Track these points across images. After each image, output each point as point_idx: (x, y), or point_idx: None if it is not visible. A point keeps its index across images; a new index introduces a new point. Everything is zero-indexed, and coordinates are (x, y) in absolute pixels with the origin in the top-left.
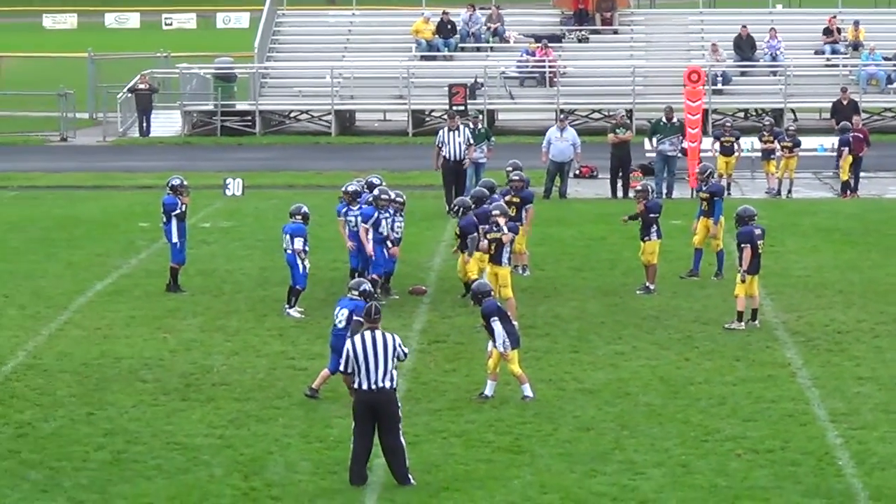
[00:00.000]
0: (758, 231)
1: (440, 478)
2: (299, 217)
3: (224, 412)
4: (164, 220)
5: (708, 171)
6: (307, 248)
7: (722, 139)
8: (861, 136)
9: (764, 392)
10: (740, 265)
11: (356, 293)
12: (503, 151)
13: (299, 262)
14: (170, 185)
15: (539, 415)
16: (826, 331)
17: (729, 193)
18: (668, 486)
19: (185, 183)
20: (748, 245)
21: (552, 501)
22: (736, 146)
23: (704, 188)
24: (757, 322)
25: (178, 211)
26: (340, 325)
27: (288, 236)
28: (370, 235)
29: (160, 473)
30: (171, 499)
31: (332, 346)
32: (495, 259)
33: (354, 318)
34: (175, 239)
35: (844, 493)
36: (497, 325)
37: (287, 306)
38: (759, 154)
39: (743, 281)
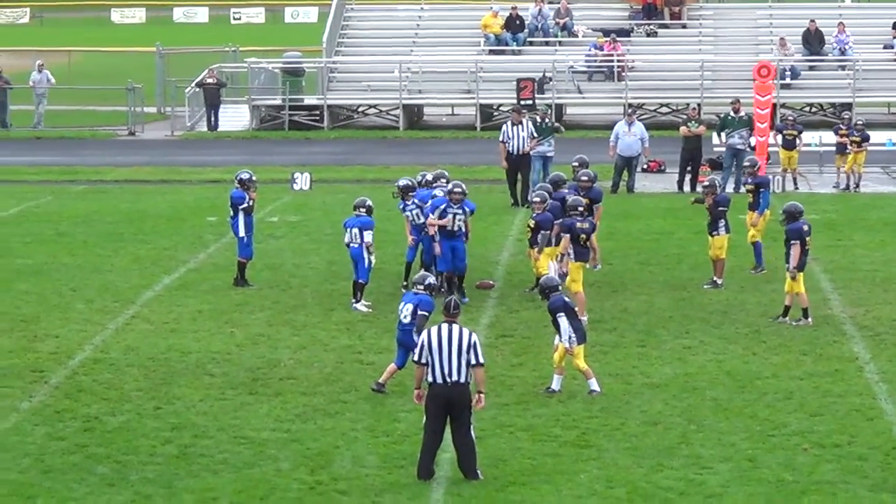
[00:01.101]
0: (805, 227)
1: (507, 472)
2: (363, 210)
3: (291, 406)
4: (232, 214)
5: (756, 165)
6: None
7: (784, 133)
8: None
9: (831, 386)
10: (788, 261)
11: (421, 287)
12: (571, 145)
13: (366, 255)
14: (238, 179)
15: (606, 409)
16: (894, 325)
17: (796, 187)
18: (734, 481)
19: (254, 177)
20: (798, 242)
21: (619, 496)
22: (798, 140)
23: (750, 180)
24: (810, 320)
25: (245, 205)
26: (406, 321)
27: (356, 230)
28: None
29: (227, 468)
30: (238, 493)
31: (398, 342)
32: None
33: (420, 312)
34: (242, 233)
35: None
36: (563, 321)
37: (353, 301)
38: (834, 148)
39: (794, 278)
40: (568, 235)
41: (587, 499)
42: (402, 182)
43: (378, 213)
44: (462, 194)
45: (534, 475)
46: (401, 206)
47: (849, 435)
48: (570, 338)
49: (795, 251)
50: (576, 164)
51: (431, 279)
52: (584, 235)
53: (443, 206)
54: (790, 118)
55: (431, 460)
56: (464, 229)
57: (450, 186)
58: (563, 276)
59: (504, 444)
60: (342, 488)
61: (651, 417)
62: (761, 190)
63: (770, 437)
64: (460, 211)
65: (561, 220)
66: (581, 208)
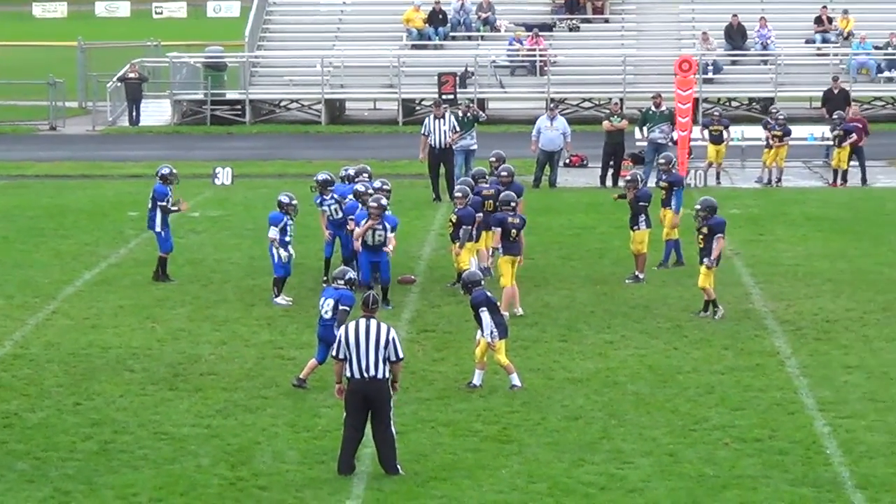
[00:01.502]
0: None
1: (428, 467)
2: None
3: (212, 402)
4: (150, 207)
5: (671, 163)
6: (286, 238)
7: (711, 128)
8: (860, 125)
9: (752, 381)
10: (708, 255)
11: (341, 282)
12: (494, 140)
13: (274, 251)
14: (159, 174)
15: (527, 404)
16: (815, 320)
17: (719, 182)
18: (655, 475)
19: (175, 171)
20: (721, 235)
21: (540, 491)
22: (725, 134)
23: (665, 177)
24: (708, 312)
25: (165, 202)
26: (327, 316)
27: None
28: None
29: (147, 463)
30: (158, 489)
31: (319, 337)
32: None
33: (340, 307)
34: (159, 228)
35: (832, 482)
36: (485, 315)
37: (273, 295)
38: (758, 142)
39: (710, 269)
40: (500, 230)
41: (508, 494)
42: (320, 176)
43: (300, 208)
44: (380, 209)
45: (455, 470)
46: (318, 201)
47: (770, 429)
48: (491, 332)
49: (720, 244)
50: (493, 159)
51: (351, 274)
52: (514, 230)
53: (358, 210)
54: (716, 113)
55: (352, 455)
56: (386, 243)
57: (370, 202)
58: (484, 270)
59: (425, 439)
60: (263, 484)
61: (572, 412)
62: (675, 188)
63: (691, 432)
64: (380, 226)
65: (493, 214)
66: (514, 203)
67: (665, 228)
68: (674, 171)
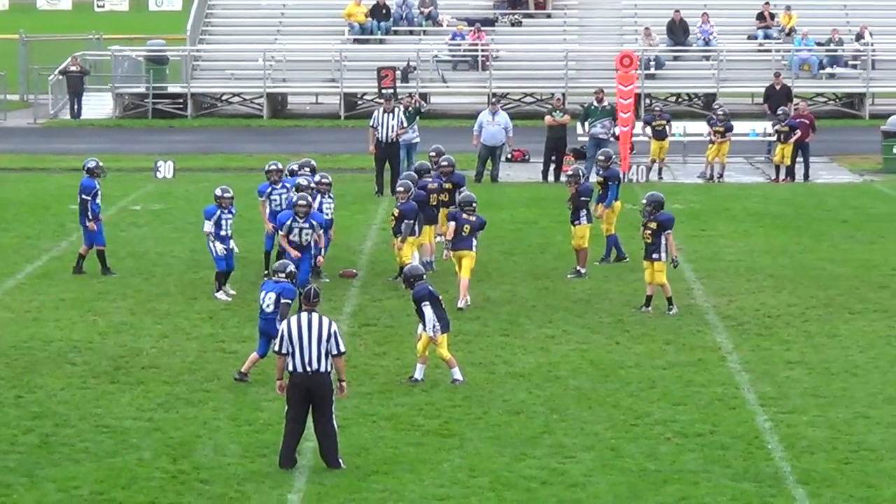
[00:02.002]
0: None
1: (370, 461)
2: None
3: (153, 395)
4: (79, 202)
5: (609, 158)
6: (222, 232)
7: (654, 123)
8: (807, 121)
9: (694, 376)
10: (657, 251)
11: (282, 275)
12: (436, 135)
13: (210, 244)
14: (86, 167)
15: (469, 398)
16: (756, 315)
17: (660, 178)
18: (597, 470)
19: (101, 165)
20: (671, 231)
21: (481, 485)
22: (668, 130)
23: (601, 172)
24: (650, 308)
25: (90, 195)
26: (269, 309)
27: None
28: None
29: (89, 457)
30: (100, 482)
31: (260, 331)
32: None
33: (283, 301)
34: (88, 223)
35: (773, 477)
36: (428, 310)
37: (214, 289)
38: (700, 138)
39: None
40: (453, 224)
41: (450, 488)
42: (274, 166)
43: (241, 202)
44: (307, 206)
45: (396, 464)
46: (265, 189)
47: (711, 424)
48: (434, 326)
49: (671, 240)
50: (433, 153)
51: (292, 267)
52: (468, 226)
53: (289, 222)
54: (657, 108)
55: (293, 449)
56: (312, 244)
57: (294, 198)
58: (427, 264)
59: (366, 433)
60: (204, 477)
61: (514, 406)
62: (610, 183)
63: (633, 427)
64: (307, 225)
65: (450, 212)
66: (475, 204)
67: (603, 224)
68: (612, 166)
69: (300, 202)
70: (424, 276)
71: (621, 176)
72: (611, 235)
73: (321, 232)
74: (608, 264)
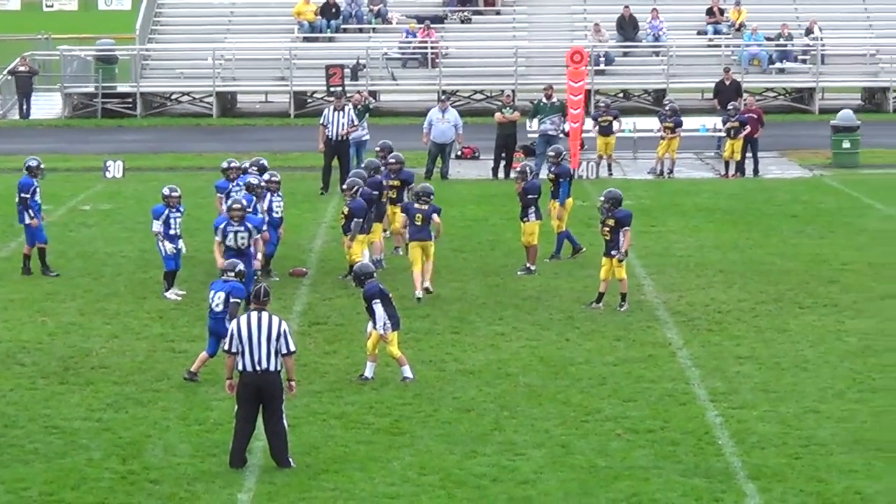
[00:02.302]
0: None
1: (320, 460)
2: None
3: (103, 395)
4: (18, 201)
5: (561, 154)
6: (171, 231)
7: (599, 119)
8: (755, 116)
9: (644, 372)
10: (616, 248)
11: (231, 274)
12: (386, 133)
13: (159, 244)
14: (26, 166)
15: (419, 396)
16: (706, 310)
17: (611, 174)
18: (547, 467)
19: (42, 165)
20: (628, 227)
21: (432, 482)
22: (615, 125)
23: (553, 169)
24: (601, 305)
25: (29, 193)
26: (218, 309)
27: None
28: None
29: (38, 457)
30: (49, 483)
31: (210, 330)
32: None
33: (232, 300)
34: (28, 220)
35: (724, 472)
36: (378, 308)
37: (164, 289)
38: (651, 134)
39: (621, 261)
40: (404, 215)
41: (400, 486)
42: (234, 163)
43: (190, 201)
44: (241, 210)
45: (346, 462)
46: (225, 186)
47: (662, 420)
48: (384, 324)
49: (628, 236)
50: (378, 149)
51: (241, 266)
52: (419, 215)
53: (223, 226)
54: (603, 104)
55: (244, 448)
56: (251, 247)
57: (228, 202)
58: (377, 262)
59: (317, 432)
60: (154, 477)
61: (464, 404)
62: (561, 180)
63: (583, 423)
64: (242, 228)
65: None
66: (432, 196)
67: (553, 221)
68: (563, 162)
69: (234, 206)
70: (374, 275)
71: (572, 172)
72: (561, 232)
73: (258, 236)
74: (558, 261)
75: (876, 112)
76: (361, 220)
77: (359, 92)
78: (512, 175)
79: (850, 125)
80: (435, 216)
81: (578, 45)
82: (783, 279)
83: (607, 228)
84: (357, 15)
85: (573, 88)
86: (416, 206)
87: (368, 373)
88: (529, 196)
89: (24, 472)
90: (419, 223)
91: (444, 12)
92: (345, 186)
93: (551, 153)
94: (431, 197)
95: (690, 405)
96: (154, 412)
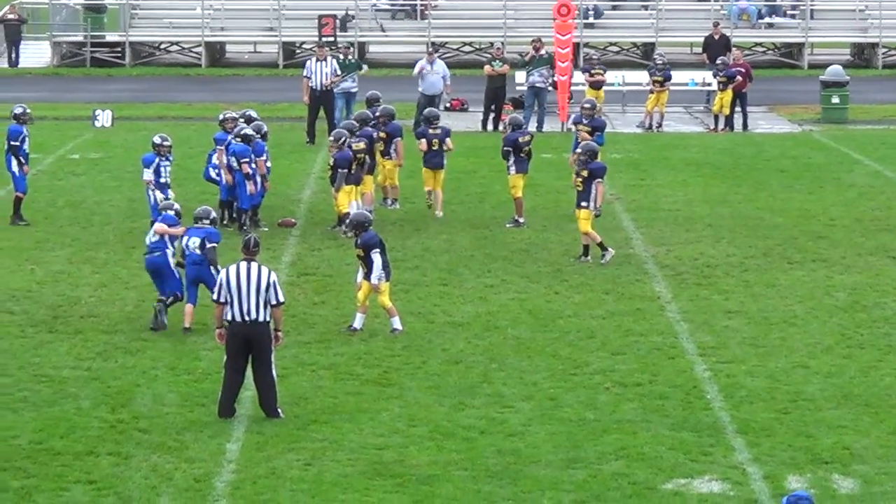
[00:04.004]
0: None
1: (309, 410)
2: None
3: (92, 344)
4: (7, 148)
5: (594, 107)
6: (161, 180)
7: (592, 72)
8: (744, 70)
9: (633, 325)
10: (586, 199)
11: (206, 222)
12: (375, 84)
13: (150, 192)
14: (13, 113)
15: (408, 348)
16: (695, 264)
17: None
18: (536, 419)
19: (29, 111)
20: (601, 180)
21: (421, 434)
22: (603, 79)
23: (585, 122)
24: (588, 257)
25: (18, 140)
26: (197, 252)
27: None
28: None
29: (27, 406)
30: (38, 431)
31: (189, 279)
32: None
33: (209, 245)
34: (15, 168)
35: (712, 427)
36: (377, 257)
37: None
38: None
39: (598, 216)
40: (423, 140)
41: (389, 437)
42: (231, 114)
43: (179, 151)
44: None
45: (335, 413)
46: (224, 138)
47: (650, 374)
48: (379, 274)
49: (601, 189)
50: (367, 100)
51: (214, 214)
52: (436, 140)
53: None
54: (594, 58)
55: (233, 399)
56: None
57: (250, 130)
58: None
59: (306, 383)
60: (143, 426)
61: (453, 356)
62: (597, 133)
63: (572, 376)
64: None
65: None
66: (439, 118)
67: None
68: (597, 115)
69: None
70: (370, 223)
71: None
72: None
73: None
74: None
75: (865, 68)
76: (346, 170)
77: (347, 46)
78: (501, 127)
79: (840, 80)
80: (448, 140)
81: None
82: (772, 234)
83: (580, 179)
84: None
85: (561, 41)
86: (430, 130)
87: (357, 324)
88: (504, 148)
89: (14, 420)
90: (435, 147)
91: None
92: (331, 138)
93: (587, 104)
94: (439, 119)
95: (679, 359)
96: (143, 361)
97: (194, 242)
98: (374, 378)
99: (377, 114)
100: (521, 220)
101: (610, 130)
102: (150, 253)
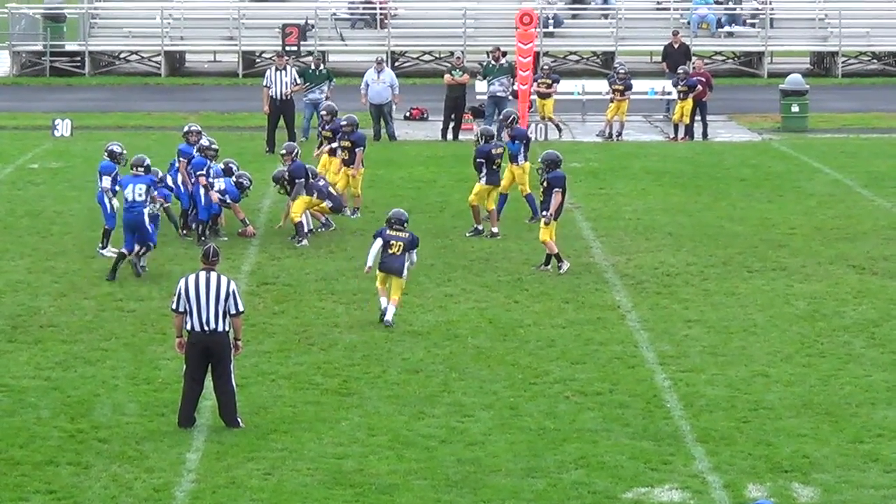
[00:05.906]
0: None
1: (268, 420)
2: (107, 155)
3: (51, 354)
4: None
5: (511, 117)
6: (117, 188)
7: (539, 81)
8: (703, 79)
9: (593, 334)
10: (547, 209)
11: (141, 169)
12: (335, 93)
13: (107, 200)
14: None
15: (367, 357)
16: (655, 273)
17: (560, 136)
18: (496, 429)
19: None
20: (560, 189)
21: (381, 443)
22: (554, 87)
23: (508, 132)
24: (549, 266)
25: None
26: (140, 199)
27: (98, 175)
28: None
29: None
30: None
31: (126, 225)
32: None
33: (154, 193)
34: None
35: (672, 436)
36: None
37: (100, 246)
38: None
39: (547, 224)
40: (379, 240)
41: (348, 446)
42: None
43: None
44: (215, 151)
45: (295, 423)
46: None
47: (610, 383)
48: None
49: (557, 199)
50: (324, 112)
51: (148, 161)
52: (399, 243)
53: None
54: (545, 67)
55: (192, 408)
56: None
57: (204, 142)
58: (325, 223)
59: (265, 392)
60: (103, 436)
61: (413, 365)
62: (517, 142)
63: (532, 385)
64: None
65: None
66: (406, 222)
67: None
68: (516, 126)
69: (212, 146)
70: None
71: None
72: (527, 195)
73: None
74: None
75: (825, 76)
76: (302, 180)
77: (317, 57)
78: (462, 137)
79: (799, 89)
80: (413, 253)
81: (528, 7)
82: (732, 243)
83: (542, 189)
84: None
85: (522, 50)
86: (391, 232)
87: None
88: (477, 160)
89: None
90: (394, 251)
91: None
92: (283, 151)
93: (503, 118)
94: (406, 224)
95: (639, 368)
96: (102, 371)
97: (140, 189)
98: (334, 387)
99: (342, 122)
100: (481, 227)
101: (569, 139)
102: (130, 210)
